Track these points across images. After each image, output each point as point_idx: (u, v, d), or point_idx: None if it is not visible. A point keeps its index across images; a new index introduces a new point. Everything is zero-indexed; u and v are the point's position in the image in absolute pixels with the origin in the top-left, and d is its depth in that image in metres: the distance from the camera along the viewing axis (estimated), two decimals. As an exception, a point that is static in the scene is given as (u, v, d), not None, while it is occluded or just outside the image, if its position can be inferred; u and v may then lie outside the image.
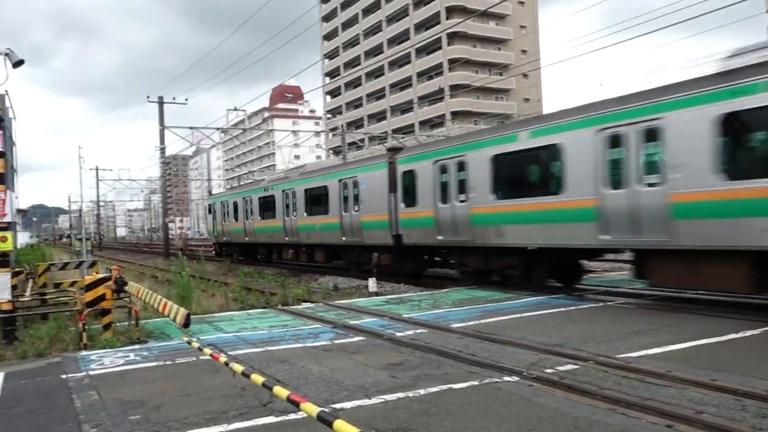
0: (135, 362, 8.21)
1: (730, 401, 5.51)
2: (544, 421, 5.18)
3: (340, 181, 21.73)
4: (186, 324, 9.67)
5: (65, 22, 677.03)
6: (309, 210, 24.20)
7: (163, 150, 39.89)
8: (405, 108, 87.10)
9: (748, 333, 8.47)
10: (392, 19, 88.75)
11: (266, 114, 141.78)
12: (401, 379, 6.73)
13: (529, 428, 5.05)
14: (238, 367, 4.77)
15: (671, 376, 6.32)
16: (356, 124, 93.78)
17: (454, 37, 78.78)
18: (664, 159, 10.74)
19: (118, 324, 10.57)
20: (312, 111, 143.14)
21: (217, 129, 43.76)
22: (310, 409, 3.67)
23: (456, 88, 75.66)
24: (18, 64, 10.43)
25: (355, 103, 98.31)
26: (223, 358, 6.75)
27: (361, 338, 9.37)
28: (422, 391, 6.19)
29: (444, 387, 6.32)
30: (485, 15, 77.42)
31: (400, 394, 6.11)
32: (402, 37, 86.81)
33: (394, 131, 78.16)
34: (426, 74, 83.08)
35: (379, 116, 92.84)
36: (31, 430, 5.60)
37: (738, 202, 9.68)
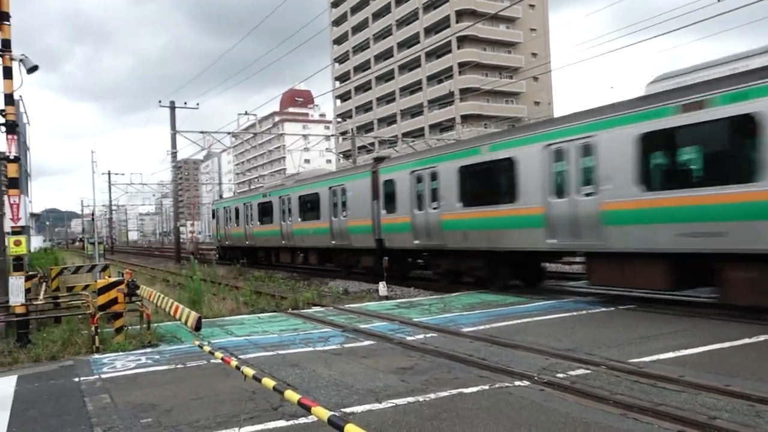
0: (147, 365, 8.27)
1: (744, 407, 5.46)
2: (555, 427, 5.16)
3: (330, 188, 22.97)
4: (197, 327, 9.72)
5: (77, 27, 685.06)
6: (303, 215, 25.50)
7: (174, 154, 40.17)
8: (415, 111, 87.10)
9: (762, 338, 8.37)
10: (402, 22, 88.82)
11: (276, 118, 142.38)
12: (411, 383, 6.72)
13: (541, 433, 5.02)
14: (249, 371, 4.77)
15: (684, 381, 6.27)
16: (366, 127, 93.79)
17: (464, 40, 78.70)
18: (597, 172, 12.03)
19: (130, 327, 10.67)
20: (322, 115, 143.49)
21: (228, 133, 44.50)
22: (321, 413, 3.67)
23: (466, 92, 75.49)
24: (32, 69, 10.46)
25: (366, 107, 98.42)
26: (234, 362, 6.74)
27: (371, 342, 9.38)
28: (433, 396, 6.18)
29: (455, 391, 6.31)
30: (495, 18, 77.46)
31: (411, 399, 6.10)
32: (412, 41, 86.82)
33: (404, 135, 78.27)
34: (436, 78, 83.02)
35: (389, 120, 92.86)
36: (45, 432, 5.64)
37: (655, 210, 10.92)
